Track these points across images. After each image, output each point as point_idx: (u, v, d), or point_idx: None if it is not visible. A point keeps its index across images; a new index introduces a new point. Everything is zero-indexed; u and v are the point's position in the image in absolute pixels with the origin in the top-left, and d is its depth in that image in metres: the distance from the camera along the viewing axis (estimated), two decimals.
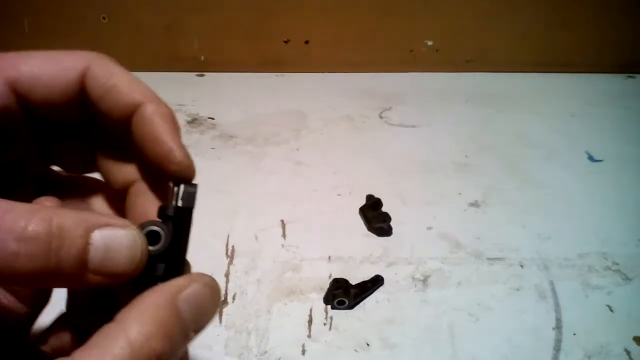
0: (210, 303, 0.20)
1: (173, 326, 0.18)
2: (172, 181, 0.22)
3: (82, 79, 0.22)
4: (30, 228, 0.16)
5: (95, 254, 0.17)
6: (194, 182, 0.23)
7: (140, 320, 0.17)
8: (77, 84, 0.22)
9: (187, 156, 0.24)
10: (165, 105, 0.23)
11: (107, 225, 0.18)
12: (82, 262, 0.17)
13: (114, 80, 0.23)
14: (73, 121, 0.24)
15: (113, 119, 0.22)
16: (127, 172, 0.25)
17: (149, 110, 0.22)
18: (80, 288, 0.21)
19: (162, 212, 0.22)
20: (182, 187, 0.22)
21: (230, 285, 0.57)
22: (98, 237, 0.18)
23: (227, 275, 0.59)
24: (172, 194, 0.23)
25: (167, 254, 0.21)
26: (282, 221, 0.67)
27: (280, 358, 0.49)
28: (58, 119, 0.23)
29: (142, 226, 0.20)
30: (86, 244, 0.17)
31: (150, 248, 0.20)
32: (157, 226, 0.21)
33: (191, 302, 0.19)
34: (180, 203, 0.22)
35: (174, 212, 0.22)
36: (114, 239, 0.18)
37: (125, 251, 0.18)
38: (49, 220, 0.17)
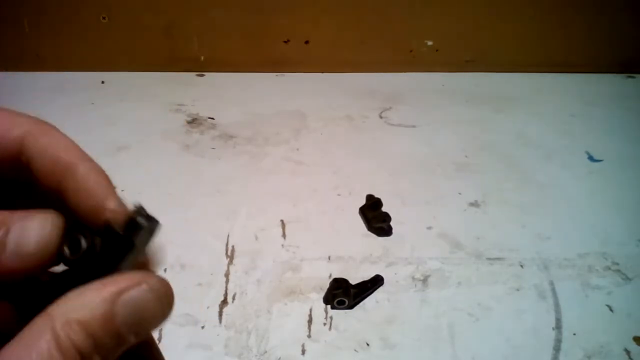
0: (154, 309, 0.19)
1: (101, 327, 0.17)
2: (135, 209, 0.21)
3: (23, 142, 0.23)
4: None
5: (12, 238, 0.18)
6: (154, 216, 0.22)
7: (68, 315, 0.17)
8: (17, 145, 0.23)
9: (122, 204, 0.23)
10: (98, 165, 0.24)
11: (25, 216, 0.19)
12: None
13: (51, 139, 0.23)
14: (14, 181, 0.25)
15: (49, 177, 0.23)
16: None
17: (83, 168, 0.23)
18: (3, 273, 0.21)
19: (104, 231, 0.21)
20: (135, 215, 0.21)
21: (230, 285, 0.57)
22: (17, 226, 0.18)
23: (227, 275, 0.59)
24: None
25: (93, 271, 0.19)
26: (282, 221, 0.67)
27: (280, 358, 0.49)
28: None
29: (72, 224, 0.20)
30: (6, 230, 0.18)
31: (67, 250, 0.20)
32: (83, 234, 0.20)
33: (132, 307, 0.18)
34: (123, 232, 0.21)
35: (112, 238, 0.21)
36: (28, 224, 0.19)
37: (36, 231, 0.19)
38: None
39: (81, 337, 0.17)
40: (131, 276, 0.19)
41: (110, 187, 0.23)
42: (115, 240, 0.20)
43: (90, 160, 0.24)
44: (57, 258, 0.19)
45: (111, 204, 0.22)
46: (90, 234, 0.20)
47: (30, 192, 0.25)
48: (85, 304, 0.17)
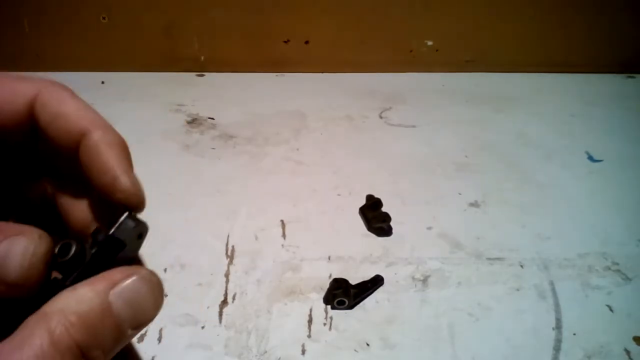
0: (148, 299, 0.19)
1: (99, 319, 0.17)
2: (123, 208, 0.21)
3: (32, 105, 0.22)
4: None
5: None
6: (144, 220, 0.22)
7: (63, 311, 0.17)
8: (27, 109, 0.22)
9: (134, 184, 0.22)
10: (115, 133, 0.23)
11: (5, 237, 0.18)
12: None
13: (63, 107, 0.22)
14: (26, 152, 0.24)
15: (62, 147, 0.22)
16: (85, 211, 0.24)
17: (95, 137, 0.21)
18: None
19: (94, 234, 0.21)
20: (124, 217, 0.21)
21: (230, 285, 0.57)
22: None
23: (227, 275, 0.59)
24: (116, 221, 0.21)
25: (85, 273, 0.19)
26: (282, 221, 0.67)
27: (280, 358, 0.49)
28: (10, 144, 0.23)
29: (58, 239, 0.20)
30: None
31: (57, 254, 0.19)
32: (72, 242, 0.20)
33: (125, 298, 0.18)
34: (112, 232, 0.21)
35: (103, 238, 0.21)
36: (9, 247, 0.18)
37: (18, 258, 0.18)
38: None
39: (80, 331, 0.17)
40: (121, 270, 0.19)
41: (124, 161, 0.22)
42: (105, 243, 0.20)
43: (105, 127, 0.22)
44: (50, 266, 0.19)
45: (122, 184, 0.21)
46: (80, 240, 0.20)
47: (37, 159, 0.24)
48: (81, 299, 0.17)
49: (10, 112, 0.21)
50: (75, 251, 0.20)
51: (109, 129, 0.22)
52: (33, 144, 0.22)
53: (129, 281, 0.19)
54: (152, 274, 0.20)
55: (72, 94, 0.23)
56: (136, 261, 0.22)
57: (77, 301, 0.17)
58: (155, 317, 0.20)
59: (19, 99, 0.21)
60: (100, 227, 0.21)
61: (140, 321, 0.19)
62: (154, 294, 0.19)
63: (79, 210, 0.24)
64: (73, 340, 0.16)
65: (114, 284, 0.18)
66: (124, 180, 0.21)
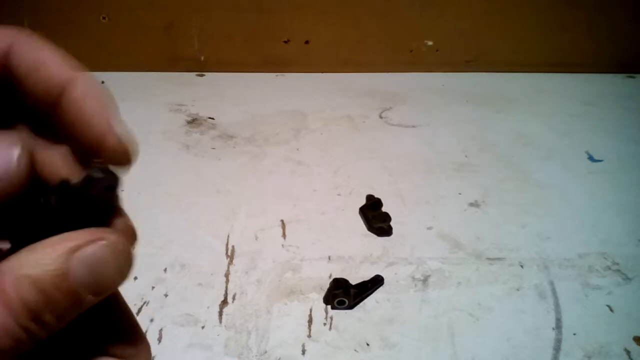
0: (112, 267, 0.18)
1: (53, 284, 0.17)
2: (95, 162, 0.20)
3: (6, 56, 0.20)
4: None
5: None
6: (115, 172, 0.20)
7: (17, 272, 0.16)
8: (1, 60, 0.20)
9: (121, 139, 0.21)
10: (98, 83, 0.21)
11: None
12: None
13: (41, 56, 0.20)
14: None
15: (41, 98, 0.20)
16: (60, 163, 0.23)
17: (79, 88, 0.20)
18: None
19: (60, 187, 0.19)
20: (92, 168, 0.19)
21: (230, 285, 0.57)
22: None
23: (227, 275, 0.59)
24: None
25: (50, 229, 0.18)
26: (282, 221, 0.67)
27: (280, 358, 0.49)
28: None
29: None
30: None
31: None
32: (40, 191, 0.19)
33: (87, 264, 0.17)
34: (76, 184, 0.19)
35: (64, 191, 0.19)
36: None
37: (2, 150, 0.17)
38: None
39: (31, 294, 0.16)
40: (89, 232, 0.18)
41: (111, 114, 0.21)
42: (72, 196, 0.19)
43: (87, 76, 0.21)
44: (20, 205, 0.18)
45: (111, 141, 0.20)
46: (46, 191, 0.19)
47: (12, 108, 0.22)
48: (38, 261, 0.17)
49: None
50: (41, 202, 0.18)
51: (92, 79, 0.21)
52: (8, 93, 0.21)
53: (93, 247, 0.18)
54: (120, 241, 0.19)
55: (49, 43, 0.21)
56: (116, 214, 0.21)
57: (33, 264, 0.17)
58: (119, 285, 0.19)
59: None
60: (66, 180, 0.19)
61: (103, 289, 0.18)
62: (119, 263, 0.18)
63: (54, 162, 0.23)
64: (23, 303, 0.16)
65: (77, 248, 0.17)
66: (111, 137, 0.20)
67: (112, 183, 0.20)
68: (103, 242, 0.18)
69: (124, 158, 0.21)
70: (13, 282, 0.16)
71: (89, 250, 0.17)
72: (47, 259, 0.17)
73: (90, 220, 0.19)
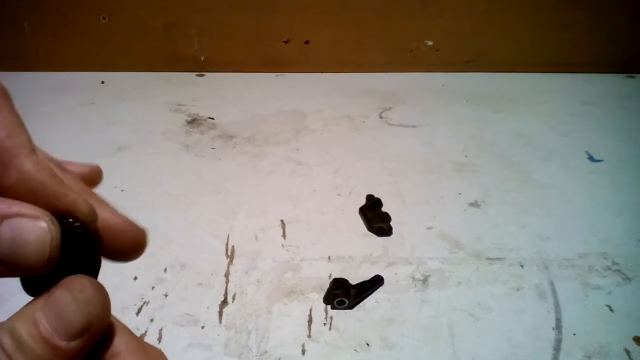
0: (76, 316, 0.18)
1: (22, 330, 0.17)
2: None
3: None
4: None
5: (3, 246, 0.17)
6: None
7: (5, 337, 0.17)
8: None
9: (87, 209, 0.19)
10: (39, 157, 0.19)
11: (17, 215, 0.17)
12: None
13: None
14: None
15: None
16: None
17: (27, 165, 0.18)
18: None
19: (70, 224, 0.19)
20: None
21: (230, 285, 0.57)
22: (6, 228, 0.17)
23: (227, 275, 0.59)
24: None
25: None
26: (282, 221, 0.67)
27: (280, 358, 0.49)
28: None
29: (61, 222, 0.18)
30: None
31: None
32: (78, 228, 0.19)
33: (52, 312, 0.18)
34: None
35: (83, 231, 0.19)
36: (22, 230, 0.17)
37: (35, 245, 0.17)
38: None
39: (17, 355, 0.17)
40: (64, 282, 0.18)
41: (64, 185, 0.19)
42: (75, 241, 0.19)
43: (33, 151, 0.19)
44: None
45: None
46: (80, 224, 0.19)
47: None
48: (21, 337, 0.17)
49: None
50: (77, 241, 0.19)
51: (35, 153, 0.19)
52: None
53: (56, 298, 0.18)
54: (82, 289, 0.19)
55: None
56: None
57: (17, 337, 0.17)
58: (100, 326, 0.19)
59: None
60: (73, 217, 0.19)
61: (72, 333, 0.18)
62: (82, 307, 0.18)
63: None
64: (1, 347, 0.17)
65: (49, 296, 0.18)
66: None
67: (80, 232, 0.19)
68: (65, 290, 0.18)
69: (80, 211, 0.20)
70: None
71: (53, 300, 0.18)
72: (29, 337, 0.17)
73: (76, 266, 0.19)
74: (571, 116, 0.97)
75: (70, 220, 0.19)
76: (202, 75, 1.10)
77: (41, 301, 0.18)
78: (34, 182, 0.18)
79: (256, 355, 0.49)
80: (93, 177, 0.24)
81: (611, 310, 0.56)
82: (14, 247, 0.17)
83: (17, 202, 0.17)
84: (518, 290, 0.58)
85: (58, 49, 1.06)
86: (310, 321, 0.53)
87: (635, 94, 1.08)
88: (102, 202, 0.22)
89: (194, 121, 0.91)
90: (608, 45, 1.13)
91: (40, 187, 0.18)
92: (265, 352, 0.50)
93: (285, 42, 1.09)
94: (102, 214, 0.21)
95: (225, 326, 0.52)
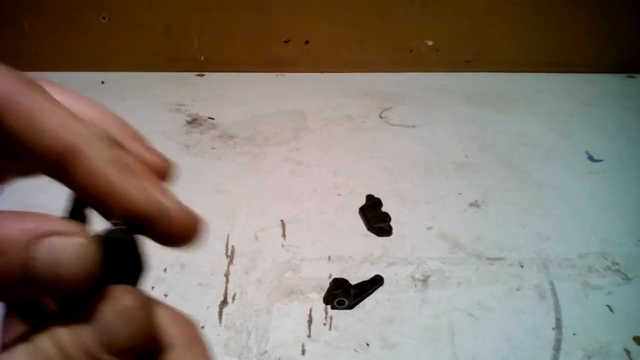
0: (122, 331, 0.17)
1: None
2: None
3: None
4: None
5: (39, 268, 0.16)
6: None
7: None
8: None
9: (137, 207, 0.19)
10: (105, 148, 0.19)
11: (52, 233, 0.16)
12: (25, 277, 0.16)
13: (39, 116, 0.18)
14: None
15: (36, 158, 0.18)
16: None
17: (88, 156, 0.18)
18: (27, 298, 0.19)
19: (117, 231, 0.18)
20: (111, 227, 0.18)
21: (230, 285, 0.57)
22: (42, 248, 0.16)
23: (227, 275, 0.59)
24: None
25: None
26: (282, 221, 0.67)
27: (280, 358, 0.49)
28: None
29: (104, 232, 0.18)
30: (29, 258, 0.15)
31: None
32: (121, 235, 0.18)
33: (97, 326, 0.17)
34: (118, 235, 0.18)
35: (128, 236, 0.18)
36: (59, 250, 0.16)
37: (73, 265, 0.16)
38: None
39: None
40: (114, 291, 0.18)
41: (125, 180, 0.18)
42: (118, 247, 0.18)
43: (95, 140, 0.18)
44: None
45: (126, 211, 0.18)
46: (124, 231, 0.18)
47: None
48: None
49: None
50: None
51: (98, 142, 0.18)
52: None
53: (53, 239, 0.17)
54: (127, 303, 0.18)
55: (50, 97, 0.18)
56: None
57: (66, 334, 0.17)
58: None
59: None
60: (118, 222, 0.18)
61: (120, 346, 0.17)
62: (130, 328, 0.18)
63: None
64: None
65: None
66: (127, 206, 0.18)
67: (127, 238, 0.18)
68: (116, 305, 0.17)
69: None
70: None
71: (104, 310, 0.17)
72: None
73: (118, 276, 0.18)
74: (571, 116, 0.97)
75: (117, 223, 0.18)
76: (202, 75, 1.10)
77: (85, 313, 0.17)
78: (101, 181, 0.18)
79: (256, 355, 0.49)
80: (161, 173, 0.23)
81: (611, 310, 0.56)
82: (52, 268, 0.16)
83: (51, 217, 0.17)
84: (518, 290, 0.58)
85: (58, 49, 1.06)
86: (310, 321, 0.53)
87: (635, 94, 1.08)
88: (157, 184, 0.21)
89: (194, 121, 0.91)
90: (608, 45, 1.12)
91: (107, 187, 0.18)
92: (265, 352, 0.50)
93: (285, 42, 1.09)
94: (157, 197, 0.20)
95: (225, 326, 0.52)
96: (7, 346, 0.17)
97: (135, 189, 0.18)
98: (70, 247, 0.16)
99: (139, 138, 0.23)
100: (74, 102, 0.22)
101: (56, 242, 0.16)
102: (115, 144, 0.20)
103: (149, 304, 0.19)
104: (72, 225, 0.17)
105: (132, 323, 0.17)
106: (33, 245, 0.16)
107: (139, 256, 0.19)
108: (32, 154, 0.18)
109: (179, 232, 0.20)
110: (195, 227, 0.21)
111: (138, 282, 0.19)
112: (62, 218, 0.17)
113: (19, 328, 0.20)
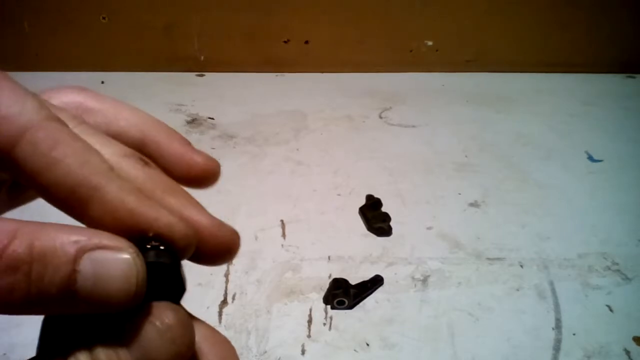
0: (162, 352, 0.17)
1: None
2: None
3: (15, 142, 0.17)
4: (7, 253, 0.14)
5: (83, 283, 0.15)
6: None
7: None
8: (9, 143, 0.17)
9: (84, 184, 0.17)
10: (126, 183, 0.17)
11: (98, 247, 0.15)
12: (68, 291, 0.15)
13: (56, 153, 0.17)
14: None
15: (50, 194, 0.17)
16: None
17: (109, 196, 0.17)
18: (69, 313, 0.17)
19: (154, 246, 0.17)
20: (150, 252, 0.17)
21: (230, 285, 0.57)
22: (87, 262, 0.15)
23: (227, 275, 0.59)
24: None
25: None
26: (282, 221, 0.67)
27: (280, 358, 0.49)
28: None
29: (144, 249, 0.17)
30: (73, 271, 0.15)
31: None
32: (164, 256, 0.17)
33: (137, 345, 0.16)
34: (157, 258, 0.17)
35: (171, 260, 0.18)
36: (105, 264, 0.15)
37: (119, 280, 0.15)
38: (29, 242, 0.15)
39: None
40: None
41: (157, 208, 0.17)
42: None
43: (115, 179, 0.17)
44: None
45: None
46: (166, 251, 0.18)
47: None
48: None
49: None
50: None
51: (119, 180, 0.17)
52: None
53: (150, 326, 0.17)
54: (168, 323, 0.17)
55: (70, 132, 0.17)
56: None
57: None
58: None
59: (9, 126, 0.17)
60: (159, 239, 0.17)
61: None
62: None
63: None
64: None
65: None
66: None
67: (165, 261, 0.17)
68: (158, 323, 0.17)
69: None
70: None
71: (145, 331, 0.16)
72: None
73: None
74: (571, 116, 0.97)
75: (155, 244, 0.17)
76: (202, 75, 1.10)
77: (123, 329, 0.16)
78: (121, 211, 0.16)
79: (256, 355, 0.49)
80: (203, 176, 0.22)
81: (611, 310, 0.56)
82: (97, 283, 0.15)
83: (97, 232, 0.16)
84: (518, 290, 0.58)
85: (58, 49, 1.06)
86: (310, 321, 0.53)
87: (635, 94, 1.08)
88: (188, 201, 0.21)
89: (193, 121, 0.91)
90: (608, 45, 1.12)
91: (129, 215, 0.16)
92: (265, 352, 0.50)
93: (285, 42, 1.09)
94: (189, 215, 0.19)
95: (225, 326, 0.52)
96: (42, 357, 0.16)
97: (155, 211, 0.17)
98: (117, 262, 0.15)
99: (180, 139, 0.22)
100: (113, 109, 0.22)
101: (103, 255, 0.15)
102: (143, 161, 0.19)
103: (190, 322, 0.18)
104: (120, 241, 0.16)
105: (173, 342, 0.17)
106: (79, 258, 0.15)
107: (180, 278, 0.18)
108: (44, 188, 0.16)
109: (213, 251, 0.19)
110: (232, 245, 0.20)
111: (179, 301, 0.18)
112: (111, 234, 0.16)
113: (56, 337, 0.19)
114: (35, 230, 0.15)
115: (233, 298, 0.56)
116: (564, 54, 1.13)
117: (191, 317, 0.19)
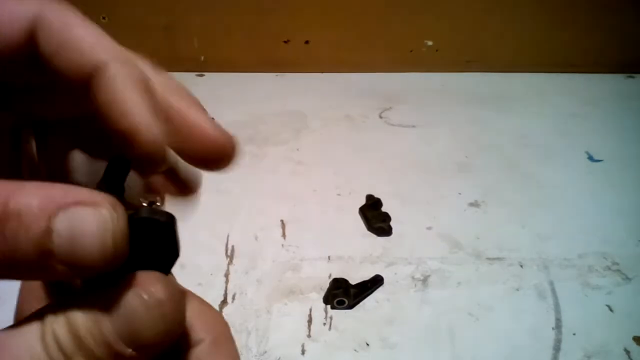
0: (147, 325, 0.15)
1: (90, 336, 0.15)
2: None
3: (32, 30, 0.17)
4: None
5: (59, 241, 0.14)
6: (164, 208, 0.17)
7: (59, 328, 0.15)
8: (25, 35, 0.17)
9: (158, 135, 0.16)
10: (136, 67, 0.18)
11: (74, 203, 0.14)
12: (43, 252, 0.14)
13: (70, 32, 0.17)
14: (28, 88, 0.19)
15: (67, 82, 0.17)
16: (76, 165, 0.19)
17: (112, 71, 0.17)
18: (48, 280, 0.17)
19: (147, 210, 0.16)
20: (144, 207, 0.16)
21: (230, 285, 0.57)
22: (63, 219, 0.14)
23: (227, 275, 0.59)
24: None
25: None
26: (282, 221, 0.67)
27: (280, 358, 0.49)
28: (9, 80, 0.18)
29: (133, 205, 0.16)
30: (47, 229, 0.14)
31: None
32: (157, 215, 0.16)
33: (119, 315, 0.15)
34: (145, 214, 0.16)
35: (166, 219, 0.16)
36: (81, 221, 0.14)
37: (94, 238, 0.14)
38: (4, 200, 0.14)
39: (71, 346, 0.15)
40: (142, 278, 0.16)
41: (146, 103, 0.17)
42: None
43: (121, 57, 0.17)
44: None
45: (142, 136, 0.16)
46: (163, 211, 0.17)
47: (29, 93, 0.19)
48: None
49: (3, 40, 0.17)
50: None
51: (130, 61, 0.18)
52: (28, 75, 0.18)
53: (132, 299, 0.15)
54: (156, 295, 0.16)
55: (81, 16, 0.17)
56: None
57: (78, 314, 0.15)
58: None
59: (14, 23, 0.17)
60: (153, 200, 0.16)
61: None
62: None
63: (64, 162, 0.20)
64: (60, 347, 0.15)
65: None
66: (145, 128, 0.16)
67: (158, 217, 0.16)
68: (144, 295, 0.16)
69: (158, 158, 0.17)
70: (53, 334, 0.15)
71: (129, 303, 0.15)
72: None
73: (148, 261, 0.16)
74: (571, 116, 0.97)
75: (153, 202, 0.17)
76: (202, 75, 1.10)
77: (106, 299, 0.15)
78: (121, 101, 0.16)
79: (256, 355, 0.49)
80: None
81: (611, 310, 0.56)
82: (73, 242, 0.14)
83: (75, 187, 0.15)
84: (518, 290, 0.58)
85: None
86: (310, 321, 0.53)
87: (635, 94, 1.08)
88: (193, 102, 0.19)
89: None
90: (608, 45, 1.12)
91: (128, 107, 0.16)
92: (265, 352, 0.50)
93: (285, 42, 1.09)
94: (186, 113, 0.19)
95: None
96: (21, 322, 0.15)
97: (152, 117, 0.17)
98: (93, 218, 0.14)
99: (204, 111, 0.21)
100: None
101: (78, 212, 0.14)
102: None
103: (182, 297, 0.17)
104: (99, 196, 0.15)
105: (161, 318, 0.16)
106: (53, 215, 0.14)
107: (175, 240, 0.17)
108: (63, 70, 0.16)
109: (206, 151, 0.19)
110: (227, 146, 0.19)
111: (170, 270, 0.17)
112: (92, 189, 0.15)
113: (39, 297, 0.18)
114: (11, 188, 0.14)
115: (233, 298, 0.56)
116: (564, 54, 1.13)
117: (182, 290, 0.18)
